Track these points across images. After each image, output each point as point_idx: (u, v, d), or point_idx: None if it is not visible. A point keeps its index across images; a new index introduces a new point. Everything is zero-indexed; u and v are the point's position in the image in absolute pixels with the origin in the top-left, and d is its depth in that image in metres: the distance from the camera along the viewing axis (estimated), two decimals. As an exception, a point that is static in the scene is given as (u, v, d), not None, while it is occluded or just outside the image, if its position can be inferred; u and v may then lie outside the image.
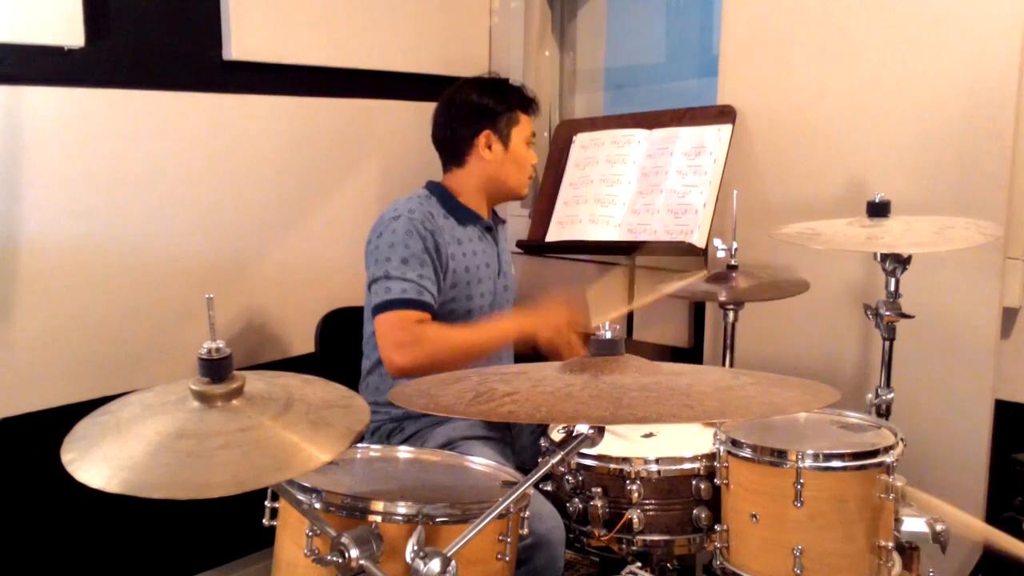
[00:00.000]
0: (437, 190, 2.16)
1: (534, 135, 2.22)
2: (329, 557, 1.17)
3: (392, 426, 2.10)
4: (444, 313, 2.06)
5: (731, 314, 2.10)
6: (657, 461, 1.69)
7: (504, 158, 2.15)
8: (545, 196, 2.73)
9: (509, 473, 1.53)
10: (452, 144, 2.17)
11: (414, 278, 1.97)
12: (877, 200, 1.89)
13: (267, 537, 1.40)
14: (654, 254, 2.57)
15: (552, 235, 2.63)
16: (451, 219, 2.12)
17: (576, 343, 2.17)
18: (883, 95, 2.22)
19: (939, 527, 1.62)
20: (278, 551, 1.38)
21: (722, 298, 2.07)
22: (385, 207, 2.12)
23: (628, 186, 2.53)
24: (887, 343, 1.91)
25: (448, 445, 1.99)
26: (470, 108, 2.14)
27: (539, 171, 2.98)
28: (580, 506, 1.73)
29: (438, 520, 1.27)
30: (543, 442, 1.83)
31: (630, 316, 2.61)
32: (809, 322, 2.36)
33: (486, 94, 2.16)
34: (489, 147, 2.14)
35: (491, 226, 2.21)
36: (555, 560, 1.75)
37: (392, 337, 1.94)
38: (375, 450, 1.61)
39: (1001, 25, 2.04)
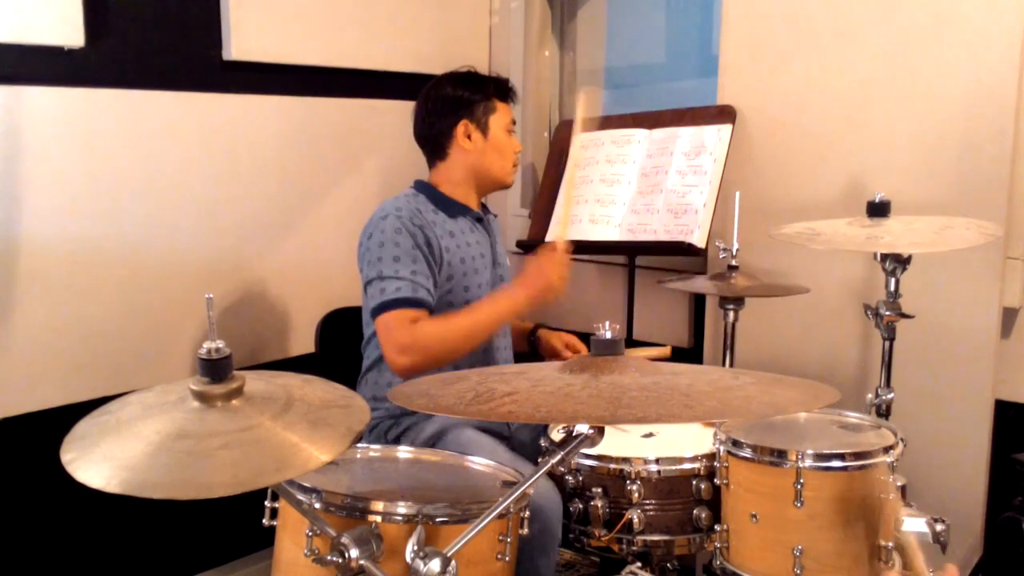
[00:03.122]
0: (424, 188, 2.17)
1: (514, 123, 2.22)
2: (329, 557, 1.17)
3: (390, 422, 2.10)
4: (442, 306, 2.06)
5: (731, 314, 2.10)
6: (657, 461, 1.69)
7: (485, 147, 2.15)
8: (545, 196, 2.73)
9: (509, 473, 1.53)
10: (432, 138, 2.17)
11: (407, 275, 1.97)
12: (877, 200, 1.89)
13: (267, 537, 1.40)
14: (654, 254, 2.57)
15: (552, 235, 2.62)
16: (441, 213, 2.12)
17: (560, 271, 2.06)
18: (883, 95, 2.22)
19: (939, 527, 1.62)
20: (278, 551, 1.38)
21: (722, 297, 2.07)
22: (384, 207, 2.12)
23: (628, 186, 2.53)
24: (887, 343, 1.91)
25: (443, 432, 1.99)
26: (445, 100, 2.15)
27: (539, 171, 3.00)
28: (580, 506, 1.73)
29: (438, 520, 1.27)
30: (543, 442, 1.83)
31: (630, 315, 2.61)
32: (809, 322, 2.36)
33: (460, 85, 2.16)
34: (468, 136, 2.14)
35: (481, 217, 2.21)
36: (550, 529, 1.73)
37: (393, 340, 1.94)
38: (375, 450, 1.61)
39: (1001, 25, 2.04)
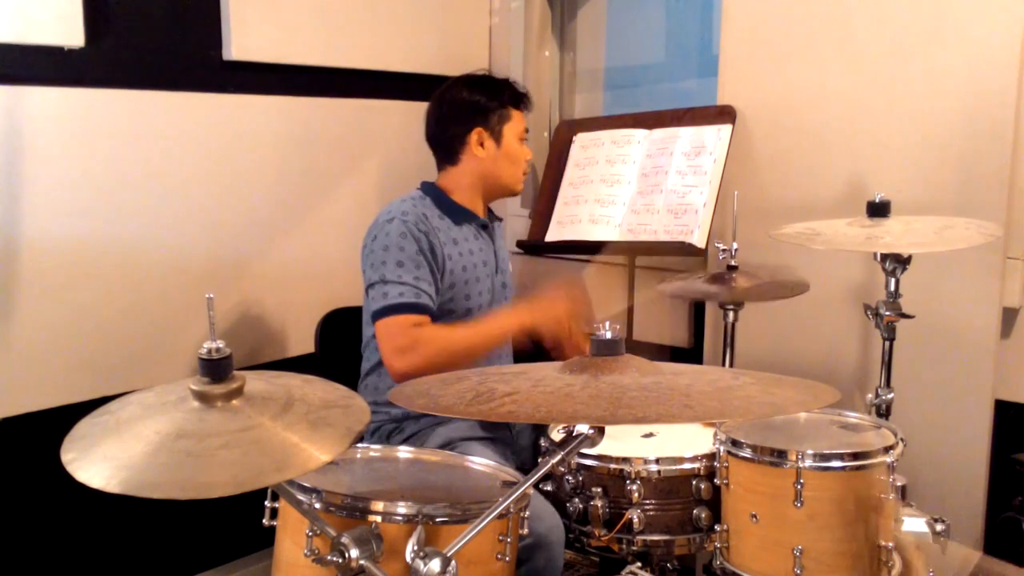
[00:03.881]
0: (431, 191, 2.16)
1: (527, 131, 2.21)
2: (329, 557, 1.17)
3: (392, 427, 2.10)
4: (443, 313, 2.05)
5: (731, 314, 2.10)
6: (657, 461, 1.69)
7: (497, 155, 2.15)
8: (545, 196, 2.73)
9: (509, 473, 1.53)
10: (445, 142, 2.16)
11: (410, 281, 1.97)
12: (877, 200, 1.89)
13: (267, 537, 1.40)
14: (654, 254, 2.57)
15: (552, 235, 2.63)
16: (446, 219, 2.11)
17: (577, 335, 2.14)
18: (883, 95, 2.22)
19: (939, 527, 1.62)
20: (278, 551, 1.38)
21: (722, 298, 2.07)
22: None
23: (628, 186, 2.53)
24: (887, 343, 1.91)
25: (448, 446, 1.99)
26: (461, 105, 2.14)
27: (539, 171, 2.99)
28: (580, 506, 1.73)
29: (438, 520, 1.27)
30: (543, 442, 1.83)
31: (630, 315, 2.61)
32: (809, 322, 2.36)
33: (477, 91, 2.15)
34: (481, 144, 2.13)
35: (487, 224, 2.21)
36: (554, 560, 1.75)
37: (392, 343, 1.94)
38: (375, 450, 1.61)
39: (1001, 25, 2.04)
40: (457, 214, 2.14)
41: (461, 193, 2.16)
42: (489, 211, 2.26)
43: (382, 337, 1.96)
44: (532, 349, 2.35)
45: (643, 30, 3.01)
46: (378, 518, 1.26)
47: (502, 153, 2.15)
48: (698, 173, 2.39)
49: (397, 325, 1.94)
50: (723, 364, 2.15)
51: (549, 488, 1.81)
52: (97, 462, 1.03)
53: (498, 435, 2.11)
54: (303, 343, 2.56)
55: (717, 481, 1.62)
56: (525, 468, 1.96)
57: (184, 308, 2.32)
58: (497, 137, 2.14)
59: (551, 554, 1.74)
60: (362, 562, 1.16)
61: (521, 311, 2.07)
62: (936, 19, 2.13)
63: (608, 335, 1.28)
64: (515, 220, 3.03)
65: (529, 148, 2.22)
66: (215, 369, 1.09)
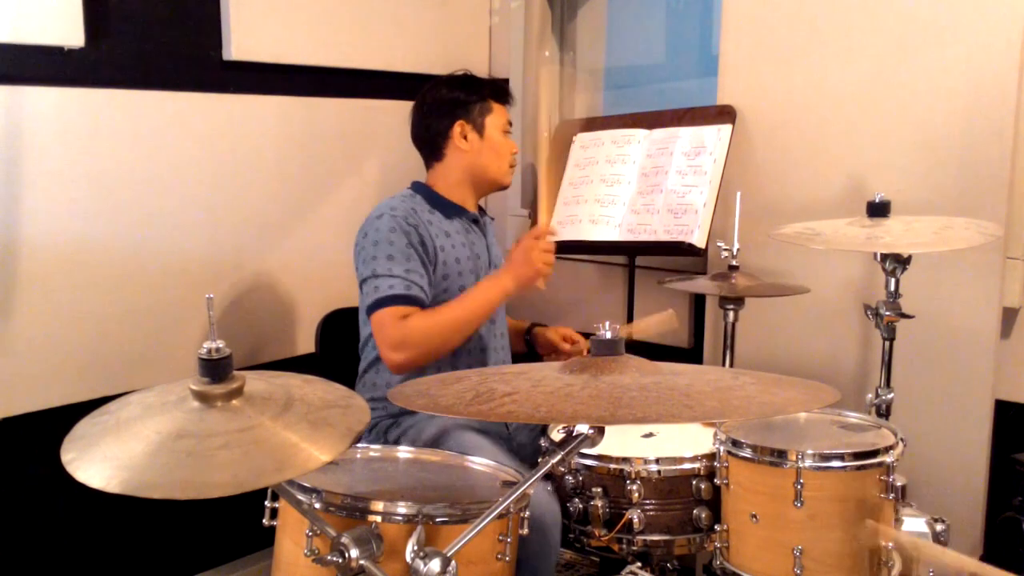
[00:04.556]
0: (421, 188, 2.18)
1: (511, 124, 2.23)
2: (329, 557, 1.17)
3: (389, 422, 2.10)
4: (438, 306, 2.06)
5: (731, 314, 2.10)
6: (657, 461, 1.69)
7: (481, 147, 2.16)
8: (545, 196, 2.73)
9: (509, 473, 1.53)
10: (430, 140, 2.19)
11: (401, 273, 1.98)
12: (877, 200, 1.89)
13: (267, 537, 1.40)
14: (654, 254, 2.57)
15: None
16: (437, 213, 2.13)
17: (544, 257, 2.07)
18: (883, 95, 2.22)
19: (939, 527, 1.63)
20: (278, 551, 1.38)
21: (724, 294, 2.07)
22: (384, 208, 2.13)
23: (628, 186, 2.53)
24: (887, 343, 1.91)
25: (443, 434, 1.99)
26: (442, 102, 2.17)
27: (538, 171, 2.99)
28: (580, 506, 1.73)
29: (438, 520, 1.27)
30: (543, 442, 1.84)
31: (630, 315, 2.61)
32: (809, 322, 2.36)
33: (456, 87, 2.18)
34: (465, 137, 2.15)
35: (478, 219, 2.22)
36: (549, 544, 1.74)
37: (386, 336, 1.95)
38: (375, 450, 1.61)
39: (1001, 25, 2.04)
40: (447, 208, 2.16)
41: (450, 189, 2.18)
42: (480, 208, 2.27)
43: (377, 331, 1.97)
44: (525, 350, 2.36)
45: (643, 30, 3.01)
46: (378, 518, 1.26)
47: (486, 145, 2.17)
48: (698, 173, 2.39)
49: (389, 317, 1.95)
50: (723, 364, 2.15)
51: (549, 488, 1.80)
52: (97, 462, 1.03)
53: (493, 427, 2.10)
54: (303, 343, 2.56)
55: (717, 481, 1.62)
56: (525, 467, 1.96)
57: (184, 308, 2.32)
58: (480, 129, 2.16)
59: (546, 538, 1.73)
60: (362, 562, 1.16)
61: (498, 275, 2.07)
62: (936, 19, 2.13)
63: (608, 335, 1.28)
64: (515, 220, 3.03)
65: (514, 141, 2.24)
66: (215, 369, 1.09)
